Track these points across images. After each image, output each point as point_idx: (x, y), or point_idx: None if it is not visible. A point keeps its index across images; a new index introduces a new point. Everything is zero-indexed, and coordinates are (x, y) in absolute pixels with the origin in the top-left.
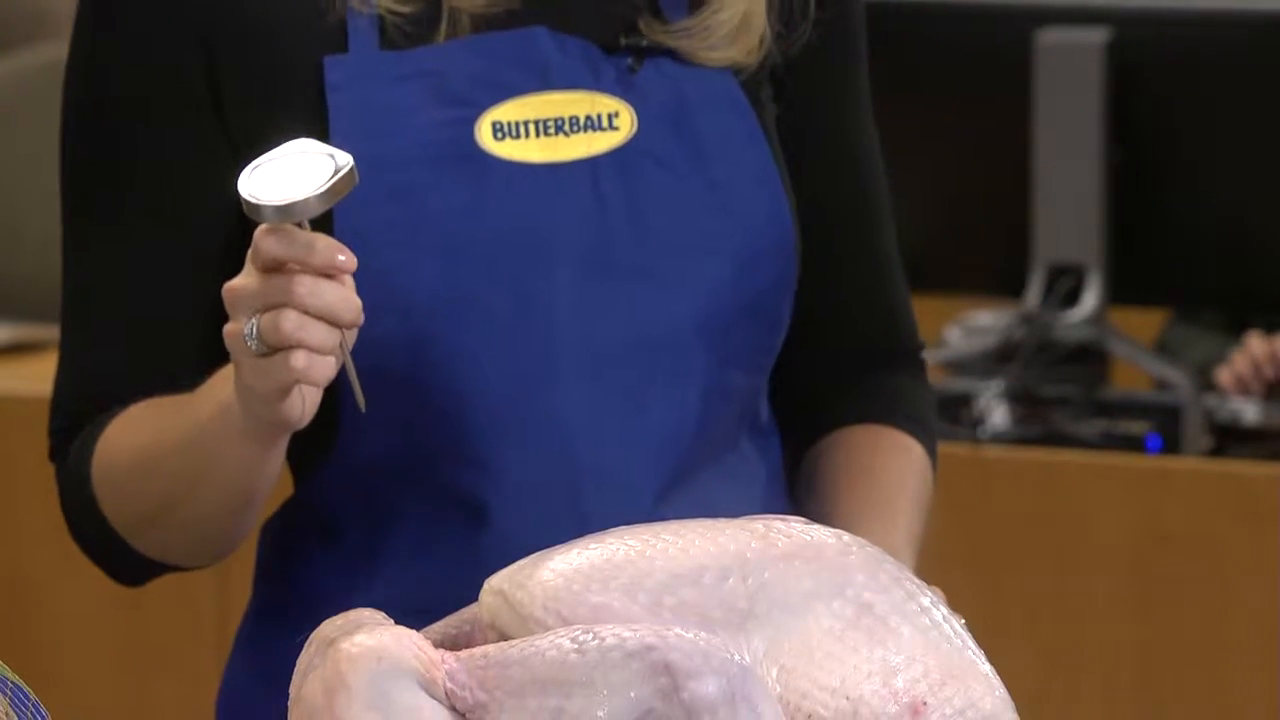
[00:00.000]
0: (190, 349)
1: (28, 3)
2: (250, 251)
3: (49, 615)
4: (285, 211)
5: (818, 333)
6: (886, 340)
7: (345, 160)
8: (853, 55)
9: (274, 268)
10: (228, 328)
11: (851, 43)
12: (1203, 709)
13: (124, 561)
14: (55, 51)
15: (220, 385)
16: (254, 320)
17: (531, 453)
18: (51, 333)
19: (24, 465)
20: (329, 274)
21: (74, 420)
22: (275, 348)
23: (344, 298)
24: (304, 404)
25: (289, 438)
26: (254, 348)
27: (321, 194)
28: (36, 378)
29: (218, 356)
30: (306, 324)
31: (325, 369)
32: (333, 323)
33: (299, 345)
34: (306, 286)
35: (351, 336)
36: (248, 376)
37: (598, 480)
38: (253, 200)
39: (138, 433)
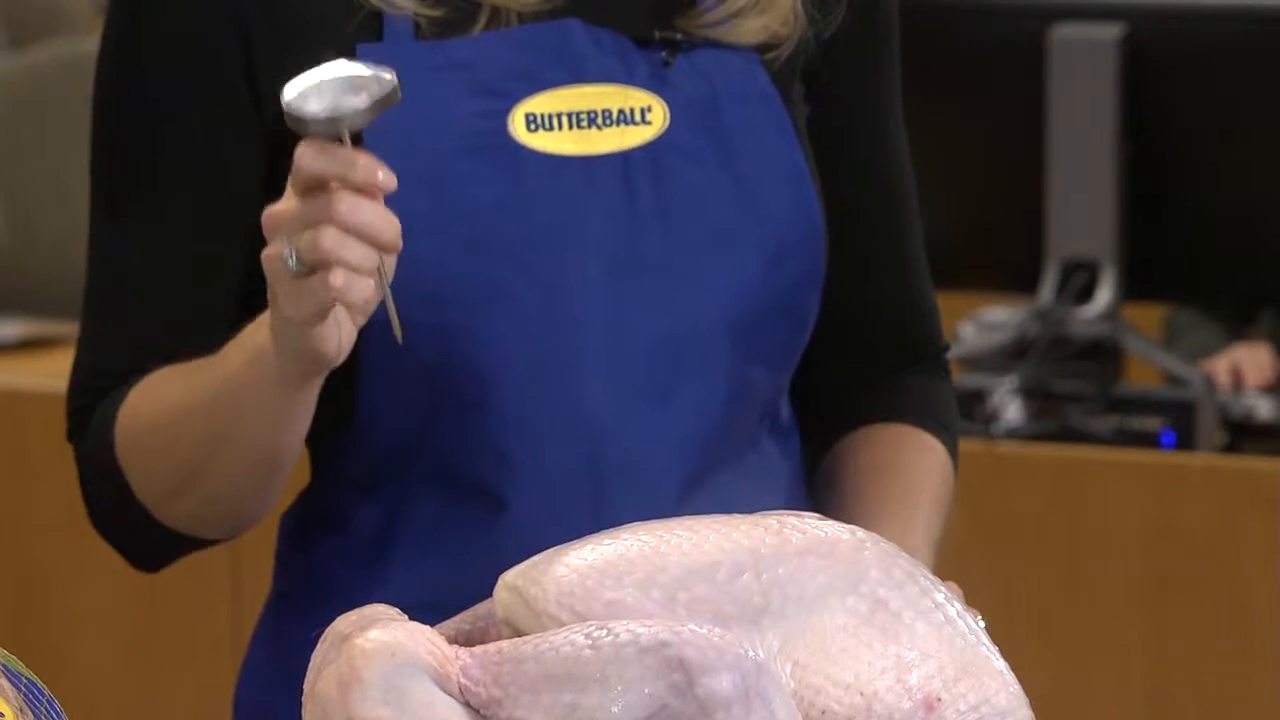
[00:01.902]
0: (218, 332)
1: None
2: (292, 172)
3: (63, 610)
4: (331, 122)
5: (843, 331)
6: (912, 340)
7: (389, 76)
8: (885, 53)
9: (315, 185)
10: (266, 251)
11: (885, 40)
12: (1216, 704)
13: (145, 539)
14: (68, 48)
15: (251, 334)
16: (291, 244)
17: (554, 447)
18: (66, 328)
19: (38, 460)
20: (369, 192)
21: (94, 397)
22: (314, 266)
23: (383, 216)
24: (340, 334)
25: (317, 394)
26: (292, 267)
27: (366, 107)
28: (51, 373)
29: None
30: (346, 241)
31: (364, 289)
32: (372, 242)
33: (338, 263)
34: (347, 203)
35: (390, 263)
36: (284, 301)
37: (620, 477)
38: (297, 113)
39: (163, 394)
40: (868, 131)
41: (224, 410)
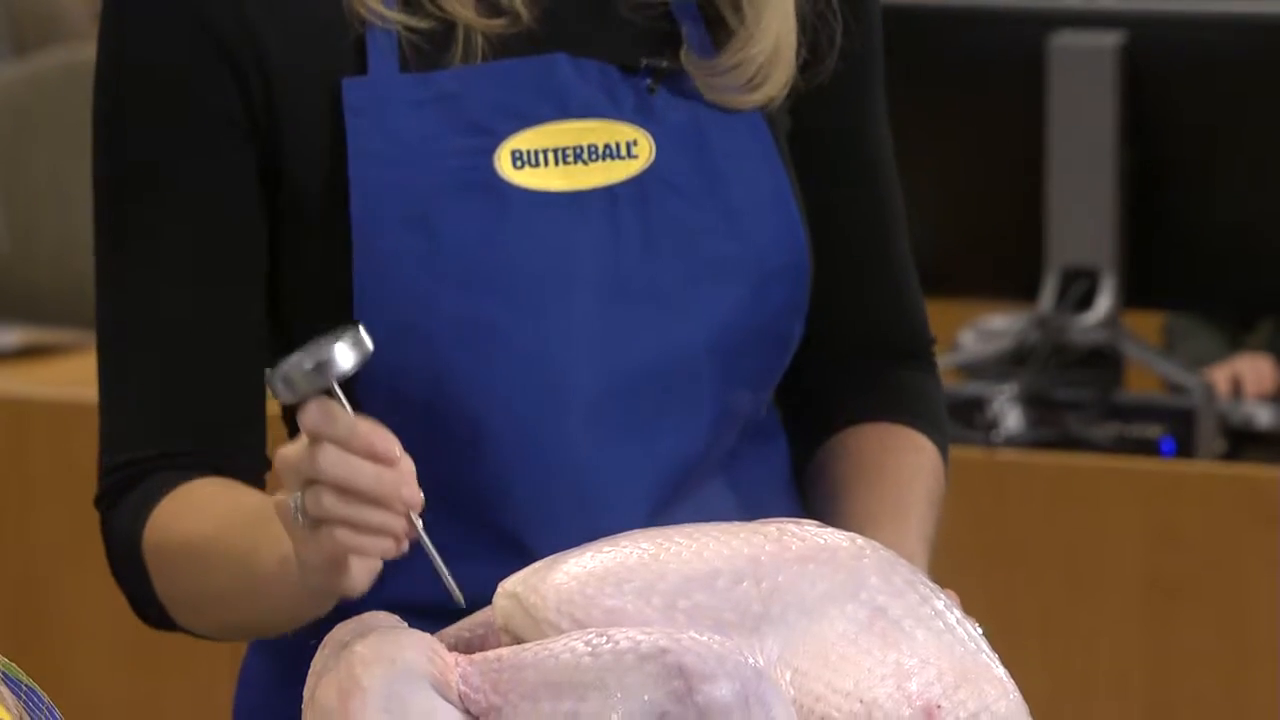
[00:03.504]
0: (238, 377)
1: (39, 6)
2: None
3: (62, 616)
4: (287, 381)
5: (831, 330)
6: (899, 339)
7: (352, 337)
8: (870, 61)
9: (315, 441)
10: (277, 496)
11: (868, 41)
12: (1216, 712)
13: (160, 618)
14: (67, 55)
15: (283, 536)
16: (299, 493)
17: (545, 481)
18: (66, 336)
19: (38, 466)
20: (374, 458)
21: (123, 481)
22: (317, 522)
23: (382, 479)
24: (363, 572)
25: None
26: (299, 520)
27: (309, 369)
28: (51, 380)
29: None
30: (350, 501)
31: (377, 546)
32: (375, 504)
33: (341, 522)
34: (344, 467)
35: (416, 518)
36: (299, 548)
37: (606, 505)
38: (281, 378)
39: (192, 533)
40: (851, 133)
41: (248, 596)
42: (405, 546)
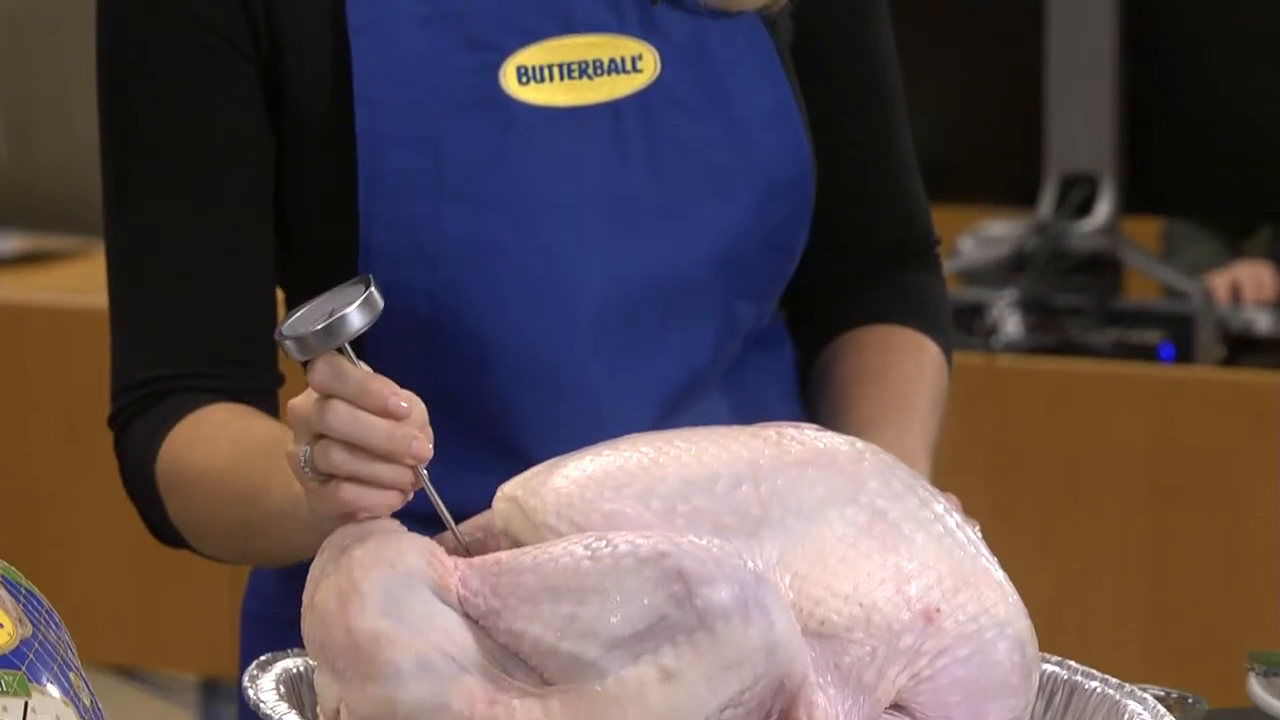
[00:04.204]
0: (248, 297)
1: None
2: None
3: (60, 520)
4: (300, 342)
5: (834, 235)
6: (902, 236)
7: (364, 296)
8: None
9: (325, 397)
10: (288, 448)
11: None
12: (1214, 614)
13: (173, 537)
14: None
15: (291, 479)
16: (308, 446)
17: (552, 397)
18: (64, 243)
19: (36, 373)
20: (385, 415)
21: (139, 383)
22: (325, 475)
23: (393, 435)
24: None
25: None
26: (308, 473)
27: (320, 329)
28: (49, 287)
29: (272, 311)
30: (359, 457)
31: (381, 500)
32: (385, 460)
33: (348, 478)
34: (354, 424)
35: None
36: (310, 498)
37: (614, 419)
38: (292, 334)
39: (206, 466)
40: (853, 37)
41: (258, 530)
42: (410, 497)
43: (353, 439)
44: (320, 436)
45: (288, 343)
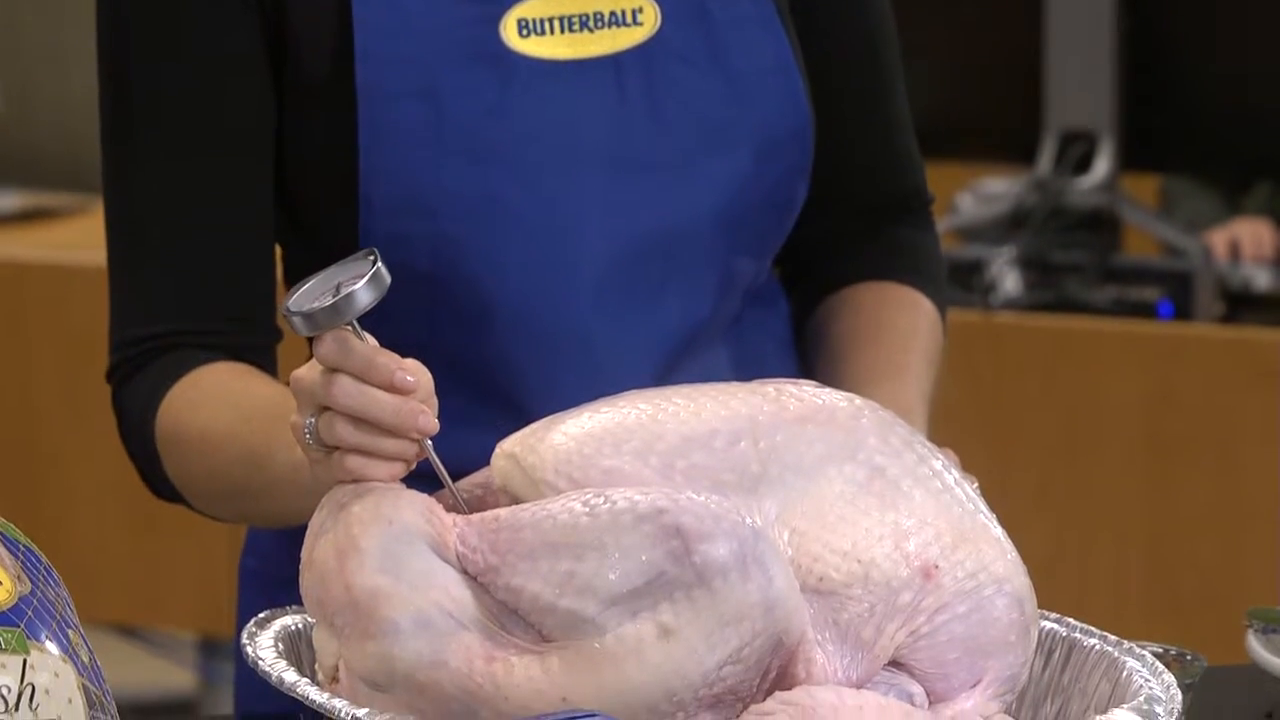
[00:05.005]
0: (248, 252)
1: None
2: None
3: (59, 476)
4: (307, 318)
5: (830, 187)
6: (896, 192)
7: (371, 273)
8: None
9: (332, 370)
10: (292, 418)
11: None
12: (1213, 570)
13: (172, 495)
14: None
15: (293, 444)
16: (312, 418)
17: (551, 350)
18: (64, 199)
19: (37, 329)
20: (392, 389)
21: (137, 339)
22: (329, 447)
23: (399, 410)
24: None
25: None
26: (311, 444)
27: (328, 306)
28: (49, 244)
29: (271, 272)
30: (360, 429)
31: (386, 471)
32: (390, 433)
33: (352, 450)
34: (359, 398)
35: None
36: (314, 468)
37: (613, 374)
38: (298, 310)
39: (206, 427)
40: None
41: (258, 492)
42: (414, 467)
43: (358, 413)
44: (325, 409)
45: (295, 319)
